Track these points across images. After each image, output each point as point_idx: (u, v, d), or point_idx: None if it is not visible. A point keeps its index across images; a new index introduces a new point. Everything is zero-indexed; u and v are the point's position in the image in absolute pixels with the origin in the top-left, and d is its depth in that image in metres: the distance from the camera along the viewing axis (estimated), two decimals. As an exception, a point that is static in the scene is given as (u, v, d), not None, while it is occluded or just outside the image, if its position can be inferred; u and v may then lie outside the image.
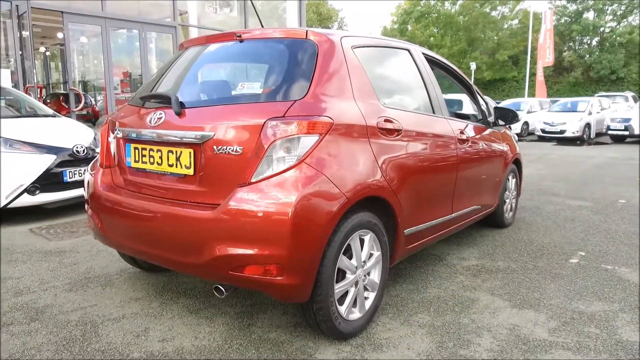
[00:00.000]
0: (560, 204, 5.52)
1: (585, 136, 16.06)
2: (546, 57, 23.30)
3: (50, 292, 2.91)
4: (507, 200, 4.40)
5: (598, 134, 16.43)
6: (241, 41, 2.49)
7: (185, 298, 2.81)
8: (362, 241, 2.31)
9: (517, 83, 39.00)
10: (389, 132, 2.48)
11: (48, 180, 4.75)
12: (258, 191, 1.99)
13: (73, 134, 5.26)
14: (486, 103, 4.03)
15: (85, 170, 4.97)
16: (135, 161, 2.47)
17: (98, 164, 2.75)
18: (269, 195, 1.96)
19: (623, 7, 34.59)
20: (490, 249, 3.80)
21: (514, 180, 4.51)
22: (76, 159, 4.97)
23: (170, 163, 2.29)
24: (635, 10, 34.46)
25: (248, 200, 1.98)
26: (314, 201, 1.97)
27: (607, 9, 35.26)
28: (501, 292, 2.91)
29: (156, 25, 10.44)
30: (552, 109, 17.86)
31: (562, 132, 15.95)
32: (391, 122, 2.50)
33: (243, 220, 1.98)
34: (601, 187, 6.59)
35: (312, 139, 2.04)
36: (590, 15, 36.27)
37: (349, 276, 2.26)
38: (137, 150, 2.45)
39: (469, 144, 3.37)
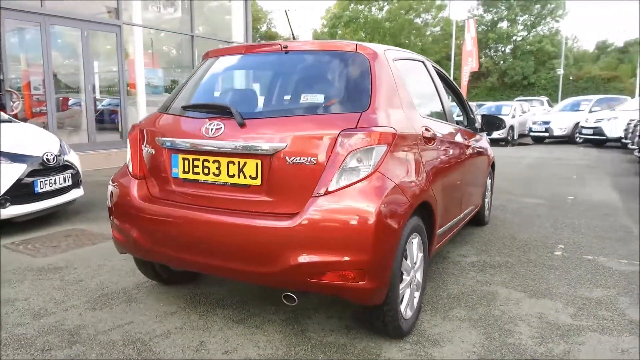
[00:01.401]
0: (519, 202, 6.03)
1: (509, 137, 17.45)
2: (472, 64, 24.95)
3: (72, 311, 2.74)
4: (486, 200, 4.76)
5: (520, 135, 17.92)
6: (286, 52, 2.53)
7: (221, 309, 2.79)
8: (411, 244, 2.46)
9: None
10: (428, 140, 2.64)
11: (18, 192, 4.40)
12: (337, 200, 2.06)
13: (40, 140, 4.90)
14: (471, 110, 4.35)
15: (59, 179, 4.67)
16: (184, 172, 2.42)
17: (130, 174, 2.64)
18: (349, 203, 2.04)
19: (532, 18, 37.89)
20: (482, 246, 4.10)
21: (490, 180, 4.90)
22: (46, 168, 4.65)
23: (230, 174, 2.28)
24: (543, 21, 37.94)
25: (328, 209, 2.05)
26: (389, 208, 2.08)
27: (519, 20, 38.47)
28: (513, 284, 3.19)
29: (99, 24, 9.87)
30: (478, 112, 19.20)
31: (489, 134, 17.20)
32: (429, 130, 2.67)
33: (324, 229, 2.04)
34: (544, 185, 7.27)
35: (382, 149, 2.14)
36: (504, 24, 39.29)
37: (406, 277, 2.39)
38: (186, 161, 2.41)
39: (471, 149, 3.64)
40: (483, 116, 4.38)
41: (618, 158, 11.27)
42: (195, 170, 2.39)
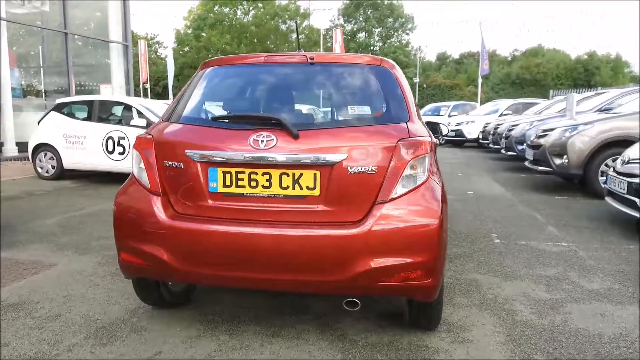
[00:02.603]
0: (434, 198, 6.72)
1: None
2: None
3: (80, 350, 2.41)
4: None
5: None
6: (312, 64, 2.57)
7: (244, 325, 2.70)
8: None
9: (308, 92, 42.88)
10: (432, 145, 2.91)
11: None
12: (402, 206, 2.19)
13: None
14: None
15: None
16: (225, 186, 2.32)
17: (146, 190, 2.42)
18: (413, 208, 2.20)
19: (386, 30, 41.52)
20: (434, 240, 4.54)
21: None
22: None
23: (284, 185, 2.26)
24: (395, 34, 41.83)
25: (395, 214, 2.17)
26: (444, 209, 2.28)
27: (375, 31, 41.84)
28: (484, 271, 3.64)
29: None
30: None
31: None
32: (431, 136, 2.94)
33: (393, 233, 2.16)
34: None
35: (430, 156, 2.34)
36: (362, 35, 42.36)
37: (438, 273, 2.61)
38: (228, 175, 2.31)
39: None
40: (427, 123, 4.83)
41: (482, 157, 13.06)
42: (240, 183, 2.30)
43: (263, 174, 2.28)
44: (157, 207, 2.37)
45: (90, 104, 8.40)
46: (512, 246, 4.31)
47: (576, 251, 4.11)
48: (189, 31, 45.17)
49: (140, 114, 7.90)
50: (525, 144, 8.50)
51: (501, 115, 15.12)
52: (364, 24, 41.48)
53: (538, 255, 4.02)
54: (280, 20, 43.89)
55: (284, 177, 2.26)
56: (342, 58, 2.66)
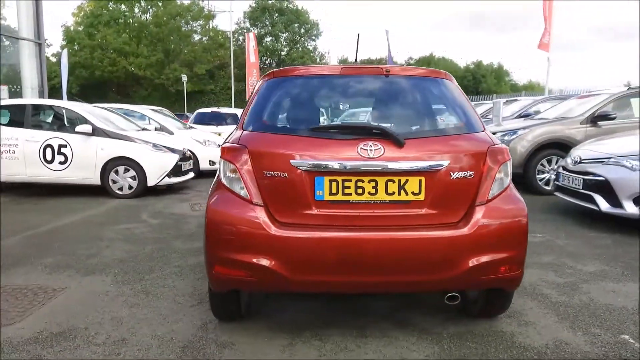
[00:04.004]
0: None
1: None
2: (256, 75, 26.35)
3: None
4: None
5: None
6: (387, 76, 2.73)
7: (327, 329, 2.76)
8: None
9: (215, 95, 42.00)
10: None
11: None
12: (497, 206, 2.44)
13: None
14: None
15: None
16: (331, 194, 2.38)
17: (245, 201, 2.40)
18: (506, 208, 2.46)
19: (292, 35, 42.10)
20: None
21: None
22: None
23: (389, 191, 2.39)
24: (301, 40, 42.62)
25: (493, 215, 2.41)
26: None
27: (282, 36, 42.24)
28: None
29: None
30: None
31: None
32: None
33: (493, 232, 2.40)
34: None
35: (510, 162, 2.61)
36: (269, 39, 42.46)
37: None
38: (335, 183, 2.38)
39: None
40: None
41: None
42: (346, 191, 2.39)
43: (369, 181, 2.39)
44: (263, 218, 2.37)
45: (21, 108, 7.54)
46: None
47: (554, 241, 4.71)
48: (80, 29, 41.68)
49: (84, 119, 7.29)
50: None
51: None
52: (270, 28, 41.66)
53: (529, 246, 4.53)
54: (182, 21, 42.32)
55: (389, 183, 2.39)
56: (411, 70, 2.85)
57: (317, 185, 2.39)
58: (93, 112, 7.74)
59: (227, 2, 36.83)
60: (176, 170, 7.69)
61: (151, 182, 7.32)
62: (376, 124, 2.68)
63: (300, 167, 2.38)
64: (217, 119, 12.81)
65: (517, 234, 2.46)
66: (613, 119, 7.18)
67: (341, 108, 2.90)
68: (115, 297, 3.26)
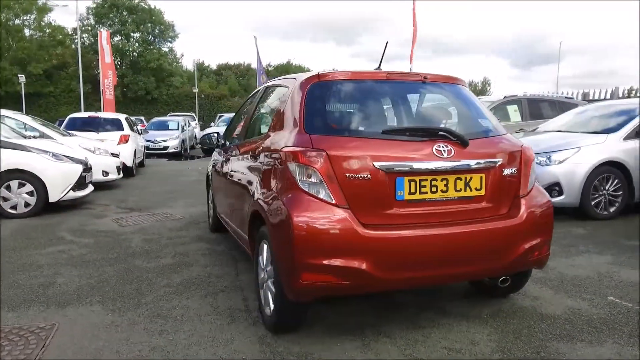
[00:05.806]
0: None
1: (182, 151, 18.45)
2: (111, 77, 24.16)
3: None
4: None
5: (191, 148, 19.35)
6: (424, 82, 2.93)
7: (384, 326, 2.83)
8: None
9: (55, 99, 37.30)
10: None
11: None
12: (533, 198, 2.81)
13: None
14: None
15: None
16: (410, 193, 2.50)
17: (331, 205, 2.38)
18: (539, 198, 2.84)
19: (145, 36, 39.40)
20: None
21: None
22: None
23: (457, 188, 2.59)
24: (156, 40, 40.20)
25: (532, 205, 2.78)
26: None
27: (134, 36, 39.24)
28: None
29: None
30: (150, 126, 19.21)
31: (165, 148, 17.65)
32: None
33: (535, 219, 2.76)
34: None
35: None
36: (118, 38, 39.04)
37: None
38: (413, 183, 2.50)
39: None
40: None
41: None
42: (422, 190, 2.53)
43: (442, 180, 2.56)
44: (352, 220, 2.37)
45: None
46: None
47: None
48: None
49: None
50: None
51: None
52: (119, 26, 38.33)
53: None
54: (11, 14, 36.60)
55: (457, 181, 2.60)
56: (441, 77, 3.07)
57: (398, 186, 2.48)
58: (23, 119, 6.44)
59: (66, -4, 32.49)
60: (80, 183, 6.79)
61: (54, 197, 6.35)
62: (443, 125, 2.87)
63: (384, 169, 2.44)
64: (95, 125, 11.49)
65: (548, 220, 2.86)
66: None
67: (392, 111, 3.03)
68: (130, 326, 2.86)
